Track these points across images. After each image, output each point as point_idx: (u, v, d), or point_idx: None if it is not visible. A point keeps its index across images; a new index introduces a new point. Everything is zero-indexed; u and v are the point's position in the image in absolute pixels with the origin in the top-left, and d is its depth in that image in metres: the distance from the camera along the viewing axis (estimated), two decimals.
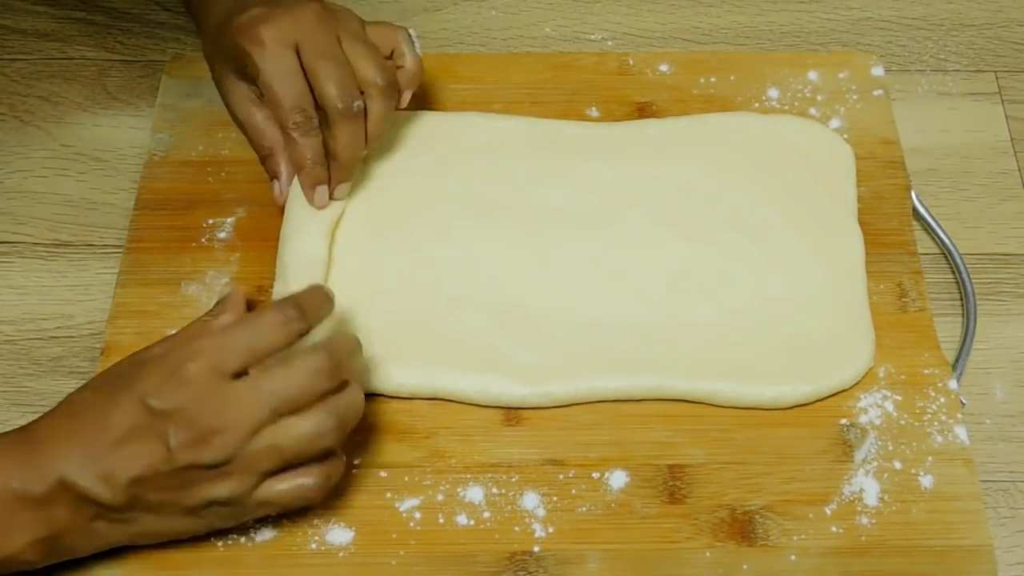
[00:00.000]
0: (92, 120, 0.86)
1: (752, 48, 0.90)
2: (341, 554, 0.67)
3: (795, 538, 0.67)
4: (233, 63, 0.73)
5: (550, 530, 0.68)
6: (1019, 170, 0.83)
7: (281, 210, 0.76)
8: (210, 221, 0.79)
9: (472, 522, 0.68)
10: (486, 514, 0.68)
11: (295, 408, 0.62)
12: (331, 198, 0.75)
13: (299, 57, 0.71)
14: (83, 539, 0.62)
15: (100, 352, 0.73)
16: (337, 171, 0.74)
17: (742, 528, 0.68)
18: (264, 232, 0.78)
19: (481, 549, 0.67)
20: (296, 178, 0.75)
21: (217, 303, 0.68)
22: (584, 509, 0.68)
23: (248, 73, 0.72)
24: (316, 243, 0.74)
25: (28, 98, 0.86)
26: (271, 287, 0.75)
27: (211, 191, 0.80)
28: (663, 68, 0.86)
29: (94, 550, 0.64)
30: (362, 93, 0.72)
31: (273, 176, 0.76)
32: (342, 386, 0.64)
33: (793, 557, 0.67)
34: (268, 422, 0.61)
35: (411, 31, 0.77)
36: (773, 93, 0.85)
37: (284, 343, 0.63)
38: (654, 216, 0.78)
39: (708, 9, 0.92)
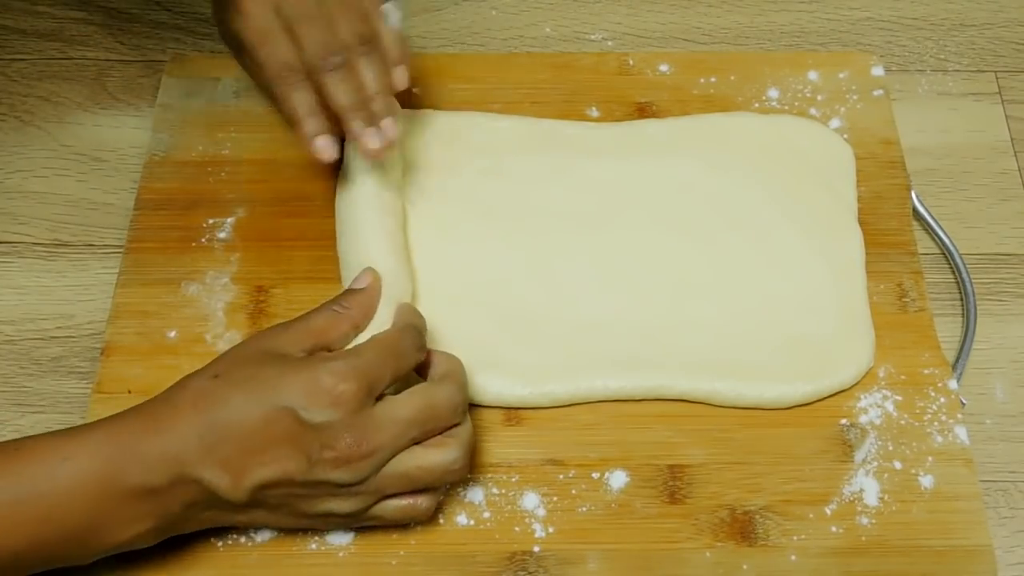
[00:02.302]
0: (92, 120, 0.86)
1: (752, 48, 0.90)
2: (341, 554, 0.67)
3: (795, 538, 0.67)
4: (228, 37, 0.73)
5: (550, 530, 0.68)
6: (1019, 170, 0.83)
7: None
8: (210, 221, 0.79)
9: (472, 522, 0.68)
10: (486, 514, 0.68)
11: (428, 437, 0.63)
12: (367, 147, 0.70)
13: (279, 19, 0.70)
14: (193, 524, 0.63)
15: (100, 352, 0.73)
16: (349, 124, 0.70)
17: (742, 528, 0.68)
18: (264, 232, 0.78)
19: (481, 549, 0.67)
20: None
21: (350, 292, 0.67)
22: (584, 509, 0.68)
23: (228, 35, 0.72)
24: (390, 260, 0.71)
25: (28, 98, 0.86)
26: (271, 287, 0.75)
27: (211, 191, 0.80)
28: (663, 68, 0.86)
29: (198, 528, 0.64)
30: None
31: (310, 138, 0.71)
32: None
33: (793, 557, 0.67)
34: (404, 449, 0.62)
35: (391, 4, 0.74)
36: (773, 93, 0.85)
37: (416, 366, 0.65)
38: (654, 216, 0.78)
39: (708, 9, 0.92)
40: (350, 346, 0.65)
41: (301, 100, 0.70)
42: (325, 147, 0.70)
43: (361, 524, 0.65)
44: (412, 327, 0.66)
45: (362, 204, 0.73)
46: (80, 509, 0.59)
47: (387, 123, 0.70)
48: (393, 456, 0.62)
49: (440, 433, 0.64)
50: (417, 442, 0.63)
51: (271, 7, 0.69)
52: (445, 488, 0.67)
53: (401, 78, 0.72)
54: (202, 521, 0.63)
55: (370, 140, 0.70)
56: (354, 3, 0.71)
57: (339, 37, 0.69)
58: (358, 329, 0.66)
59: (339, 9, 0.70)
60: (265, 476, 0.60)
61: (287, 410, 0.60)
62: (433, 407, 0.63)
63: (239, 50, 0.73)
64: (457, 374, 0.65)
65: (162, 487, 0.60)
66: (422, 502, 0.64)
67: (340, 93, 0.69)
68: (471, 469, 0.67)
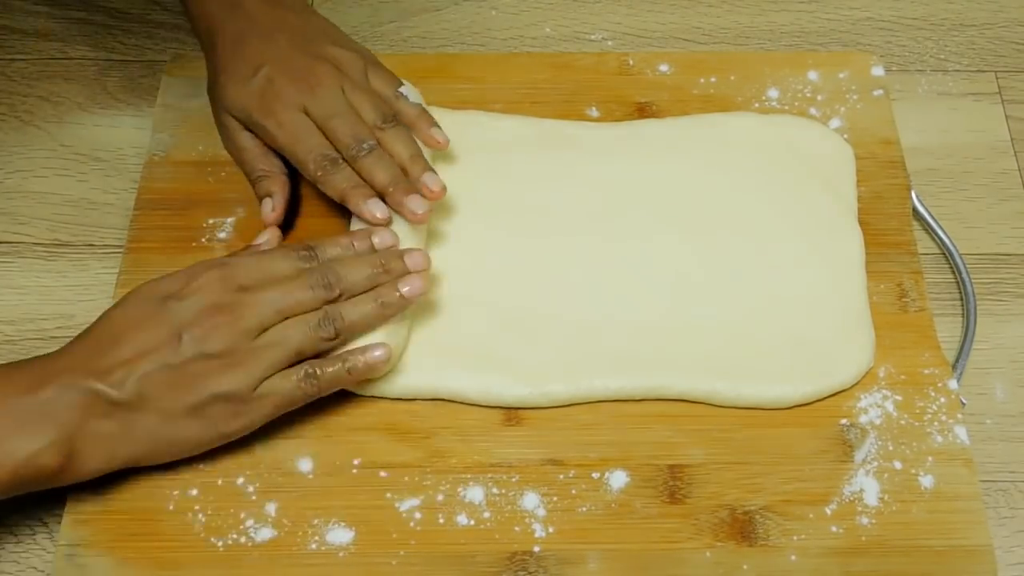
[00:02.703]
0: (92, 120, 0.86)
1: (752, 48, 0.90)
2: (341, 554, 0.67)
3: (795, 538, 0.67)
4: (241, 119, 0.76)
5: (550, 530, 0.68)
6: (1019, 170, 0.83)
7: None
8: (210, 221, 0.79)
9: (472, 522, 0.68)
10: (486, 514, 0.68)
11: (297, 313, 0.68)
12: (412, 214, 0.73)
13: (309, 117, 0.75)
14: (92, 445, 0.65)
15: None
16: (392, 195, 0.73)
17: (742, 528, 0.68)
18: None
19: (481, 549, 0.67)
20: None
21: (242, 250, 0.73)
22: (584, 509, 0.68)
23: (264, 140, 0.76)
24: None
25: (28, 98, 0.86)
26: None
27: (211, 191, 0.80)
28: (663, 68, 0.86)
29: (105, 464, 0.66)
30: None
31: (266, 195, 0.77)
32: (340, 297, 0.69)
33: (793, 557, 0.67)
34: (273, 322, 0.67)
35: (407, 86, 0.79)
36: (773, 93, 0.85)
37: (291, 272, 0.69)
38: (654, 216, 0.78)
39: (708, 9, 0.92)
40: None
41: (344, 178, 0.74)
42: (377, 207, 0.73)
43: (255, 413, 0.67)
44: (302, 244, 0.71)
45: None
46: None
47: (428, 179, 0.74)
48: (261, 327, 0.67)
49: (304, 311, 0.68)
50: (288, 317, 0.68)
51: (299, 109, 0.75)
52: (329, 362, 0.68)
53: (439, 135, 0.77)
54: (103, 439, 0.65)
55: (415, 207, 0.73)
56: (371, 91, 0.77)
57: (366, 123, 0.75)
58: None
59: (360, 98, 0.76)
60: (140, 365, 0.65)
61: (152, 299, 0.67)
62: (296, 287, 0.68)
63: (249, 129, 0.77)
64: (334, 259, 0.71)
65: (51, 395, 0.64)
66: (300, 374, 0.67)
67: (377, 173, 0.74)
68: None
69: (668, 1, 0.93)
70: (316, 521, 0.68)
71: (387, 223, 0.73)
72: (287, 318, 0.68)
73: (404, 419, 0.71)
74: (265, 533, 0.67)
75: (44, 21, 0.91)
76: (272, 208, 0.76)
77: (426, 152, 0.76)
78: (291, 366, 0.68)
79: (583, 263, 0.76)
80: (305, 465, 0.70)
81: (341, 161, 0.74)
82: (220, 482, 0.69)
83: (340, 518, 0.68)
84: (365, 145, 0.74)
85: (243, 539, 0.67)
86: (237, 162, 0.78)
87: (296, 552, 0.67)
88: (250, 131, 0.77)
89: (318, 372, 0.68)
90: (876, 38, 0.91)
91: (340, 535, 0.67)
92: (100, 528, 0.67)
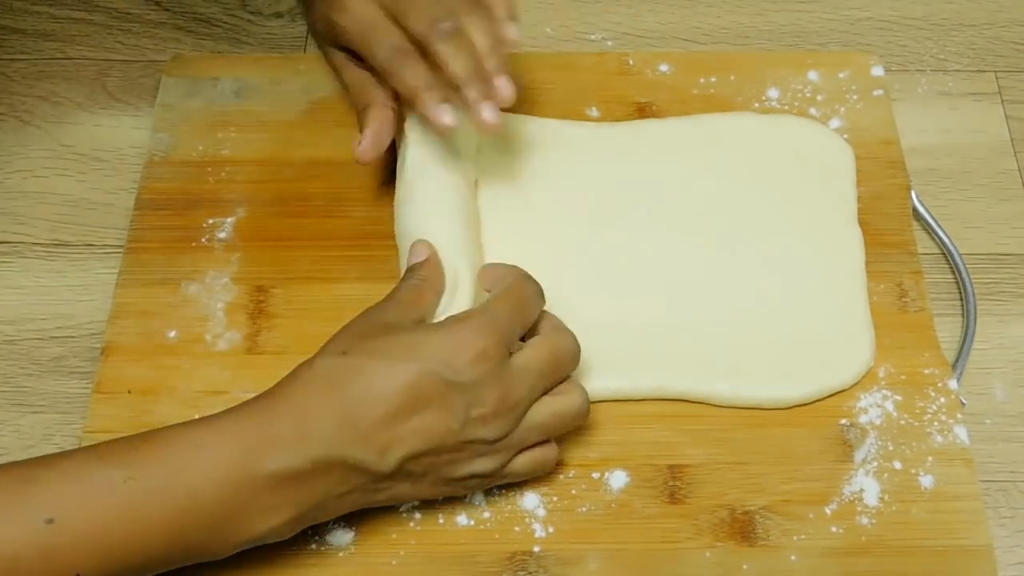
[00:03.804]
0: (92, 120, 0.85)
1: (752, 48, 0.90)
2: (341, 554, 0.67)
3: (795, 538, 0.67)
4: (325, 33, 0.74)
5: (550, 530, 0.68)
6: (1019, 170, 0.83)
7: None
8: (210, 221, 0.79)
9: (472, 522, 0.68)
10: (486, 514, 0.68)
11: (554, 386, 0.65)
12: (485, 121, 0.69)
13: (382, 7, 0.71)
14: (331, 511, 0.62)
15: (100, 352, 0.73)
16: (467, 94, 0.69)
17: (742, 528, 0.68)
18: (264, 232, 0.78)
19: (481, 549, 0.67)
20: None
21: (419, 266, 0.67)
22: (584, 509, 0.68)
23: (340, 40, 0.73)
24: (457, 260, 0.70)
25: (28, 98, 0.86)
26: (271, 287, 0.75)
27: (211, 191, 0.80)
28: (663, 68, 0.86)
29: (334, 516, 0.64)
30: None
31: (362, 126, 0.74)
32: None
33: (793, 557, 0.67)
34: (537, 400, 0.64)
35: None
36: (773, 93, 0.85)
37: (539, 317, 0.66)
38: (654, 216, 0.78)
39: (708, 9, 0.92)
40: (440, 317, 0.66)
41: (416, 75, 0.69)
42: (447, 114, 0.69)
43: (495, 483, 0.66)
44: (528, 277, 0.67)
45: (421, 181, 0.73)
46: (218, 498, 0.58)
47: (502, 83, 0.69)
48: (529, 408, 0.63)
49: (562, 382, 0.66)
50: (545, 393, 0.64)
51: (372, 1, 0.71)
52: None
53: (512, 32, 0.71)
54: (341, 506, 0.62)
55: (487, 115, 0.69)
56: None
57: (443, 4, 0.70)
58: (439, 295, 0.67)
59: None
60: (416, 445, 0.60)
61: (431, 373, 0.60)
62: (557, 353, 0.65)
63: (339, 44, 0.74)
64: (564, 325, 0.67)
65: (303, 471, 0.59)
66: (549, 452, 0.66)
67: (454, 61, 0.68)
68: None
69: (668, 1, 0.93)
70: None
71: (454, 126, 0.69)
72: (544, 390, 0.64)
73: None
74: None
75: (44, 21, 0.91)
76: (359, 141, 0.72)
77: None
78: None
79: (583, 263, 0.76)
80: None
81: (414, 52, 0.70)
82: None
83: (340, 518, 0.68)
84: (443, 26, 0.68)
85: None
86: (345, 90, 0.75)
87: (296, 552, 0.66)
88: (351, 56, 0.73)
89: (557, 453, 0.67)
90: (876, 38, 0.91)
91: (340, 535, 0.67)
92: None
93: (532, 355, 0.64)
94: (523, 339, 0.65)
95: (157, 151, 0.82)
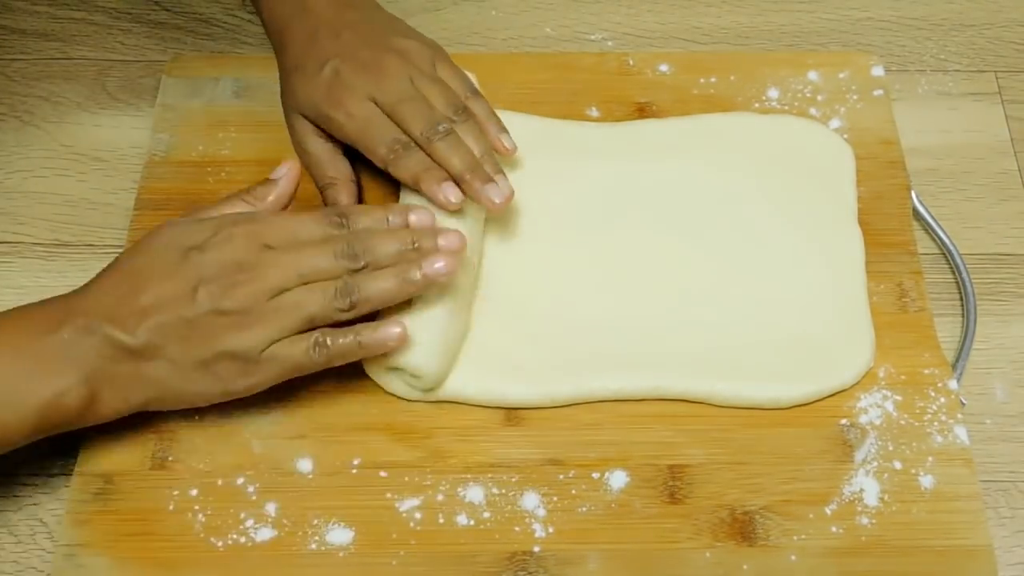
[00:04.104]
0: (92, 120, 0.86)
1: (752, 48, 0.90)
2: (341, 554, 0.67)
3: (795, 538, 0.67)
4: (311, 116, 0.76)
5: (550, 530, 0.68)
6: (1019, 170, 0.83)
7: None
8: None
9: (472, 522, 0.68)
10: (486, 514, 0.68)
11: (318, 279, 0.66)
12: (492, 203, 0.73)
13: (378, 106, 0.74)
14: (109, 387, 0.65)
15: None
16: (470, 184, 0.72)
17: (742, 528, 0.68)
18: None
19: (481, 549, 0.67)
20: None
21: (260, 184, 0.72)
22: (584, 509, 0.68)
23: (334, 133, 0.76)
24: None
25: (28, 98, 0.86)
26: None
27: (211, 191, 0.80)
28: (663, 68, 0.86)
29: (122, 405, 0.67)
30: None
31: (330, 202, 0.77)
32: (364, 268, 0.67)
33: (793, 557, 0.67)
34: (292, 286, 0.66)
35: (473, 78, 0.79)
36: (773, 93, 0.85)
37: (319, 238, 0.68)
38: (654, 216, 0.78)
39: (708, 9, 0.92)
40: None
41: (416, 161, 0.73)
42: (452, 192, 0.72)
43: (261, 374, 0.67)
44: (335, 210, 0.70)
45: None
46: (11, 365, 0.64)
47: (501, 180, 0.73)
48: (280, 289, 0.66)
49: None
50: (308, 283, 0.66)
51: (367, 98, 0.74)
52: (338, 333, 0.67)
53: (508, 143, 0.76)
54: (120, 382, 0.66)
55: (494, 195, 0.73)
56: (441, 81, 0.76)
57: (437, 111, 0.74)
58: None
59: (430, 88, 0.75)
60: (153, 312, 0.65)
61: (176, 249, 0.67)
62: (320, 253, 0.67)
63: (317, 124, 0.76)
64: (364, 229, 0.69)
65: (70, 339, 0.64)
66: (308, 342, 0.66)
67: (453, 158, 0.73)
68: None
69: (668, 1, 0.93)
70: (316, 521, 0.68)
71: (460, 209, 0.72)
72: (308, 283, 0.67)
73: (404, 419, 0.71)
74: (265, 533, 0.67)
75: (44, 21, 0.91)
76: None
77: None
78: (304, 332, 0.67)
79: (583, 263, 0.76)
80: (305, 465, 0.69)
81: (413, 145, 0.73)
82: (220, 482, 0.69)
83: (340, 518, 0.68)
84: (441, 127, 0.73)
85: (243, 539, 0.67)
86: (305, 167, 0.77)
87: (296, 552, 0.67)
88: (321, 130, 0.76)
89: (328, 342, 0.67)
90: (876, 38, 0.91)
91: (340, 535, 0.67)
92: (100, 528, 0.67)
93: (292, 251, 0.67)
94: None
95: (157, 151, 0.82)
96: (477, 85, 0.79)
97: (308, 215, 0.69)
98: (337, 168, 0.77)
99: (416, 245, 0.68)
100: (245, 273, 0.66)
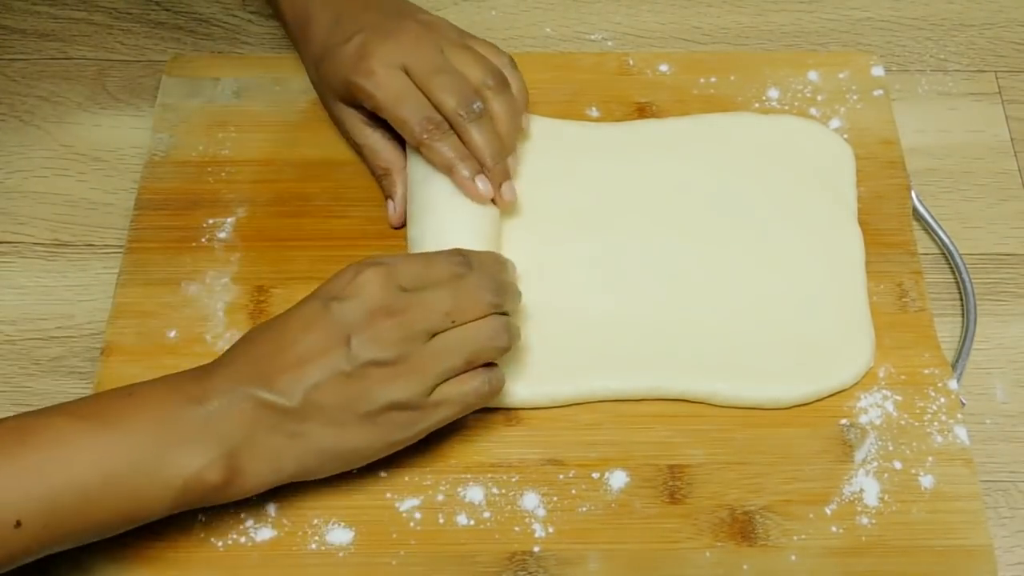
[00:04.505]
0: (92, 120, 0.86)
1: (752, 48, 0.90)
2: (341, 554, 0.67)
3: (795, 538, 0.67)
4: (343, 93, 0.75)
5: (550, 530, 0.68)
6: (1019, 170, 0.83)
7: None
8: (210, 221, 0.79)
9: (472, 522, 0.68)
10: (486, 514, 0.68)
11: (467, 319, 0.65)
12: (503, 199, 0.74)
13: (409, 76, 0.73)
14: (259, 458, 0.63)
15: (100, 352, 0.73)
16: (491, 173, 0.73)
17: (742, 528, 0.68)
18: (264, 232, 0.78)
19: (481, 549, 0.67)
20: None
21: None
22: (584, 509, 0.68)
23: (364, 104, 0.75)
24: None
25: (28, 98, 0.86)
26: (271, 287, 0.76)
27: (211, 191, 0.80)
28: (663, 68, 0.86)
29: (272, 477, 0.64)
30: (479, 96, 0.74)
31: (388, 195, 0.77)
32: (502, 306, 0.67)
33: (793, 557, 0.67)
34: (442, 327, 0.64)
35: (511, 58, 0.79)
36: (773, 93, 0.85)
37: (449, 276, 0.66)
38: (654, 216, 0.78)
39: (708, 9, 0.92)
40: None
41: (451, 148, 0.73)
42: (485, 187, 0.73)
43: (430, 419, 0.65)
44: (456, 252, 0.68)
45: (439, 188, 0.74)
46: (143, 431, 0.61)
47: (507, 189, 0.74)
48: (431, 331, 0.64)
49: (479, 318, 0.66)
50: (457, 323, 0.65)
51: (398, 67, 0.73)
52: (496, 371, 0.67)
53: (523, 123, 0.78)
54: (269, 453, 0.63)
55: (508, 194, 0.74)
56: (472, 49, 0.76)
57: (470, 83, 0.73)
58: None
59: (461, 57, 0.75)
60: (311, 373, 0.62)
61: (312, 301, 0.64)
62: (462, 291, 0.65)
63: (354, 104, 0.76)
64: (489, 266, 0.67)
65: (220, 409, 0.62)
66: (477, 381, 0.65)
67: (483, 144, 0.73)
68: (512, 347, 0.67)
69: (668, 1, 0.93)
70: (316, 521, 0.68)
71: (490, 199, 0.73)
72: (454, 322, 0.65)
73: None
74: (265, 533, 0.67)
75: (44, 21, 0.91)
76: (394, 209, 0.76)
77: None
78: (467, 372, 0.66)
79: (583, 263, 0.76)
80: None
81: (446, 126, 0.73)
82: None
83: (340, 518, 0.68)
84: (475, 107, 0.72)
85: (243, 539, 0.67)
86: (358, 155, 0.77)
87: (296, 552, 0.67)
88: (366, 116, 0.76)
89: (492, 379, 0.66)
90: (876, 38, 0.91)
91: (340, 535, 0.67)
92: None
93: (433, 290, 0.65)
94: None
95: (157, 151, 0.82)
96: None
97: (435, 255, 0.68)
98: (387, 157, 0.76)
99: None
100: (393, 318, 0.63)
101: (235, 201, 0.80)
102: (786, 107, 0.84)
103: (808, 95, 0.85)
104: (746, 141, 0.81)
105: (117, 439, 0.60)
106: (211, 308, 0.75)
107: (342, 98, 0.76)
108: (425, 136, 0.72)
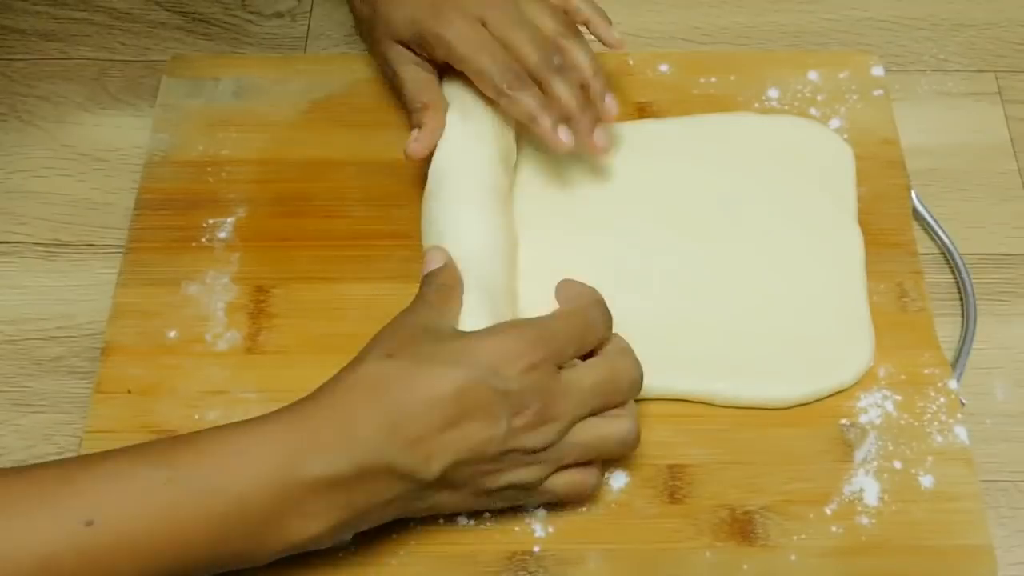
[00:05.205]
0: (92, 120, 0.86)
1: (752, 48, 0.90)
2: (341, 554, 0.67)
3: (795, 538, 0.67)
4: (409, 37, 0.75)
5: (550, 530, 0.67)
6: (1019, 170, 0.83)
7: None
8: (210, 221, 0.79)
9: (472, 522, 0.68)
10: (486, 514, 0.68)
11: (606, 409, 0.64)
12: (596, 145, 0.75)
13: (487, 28, 0.73)
14: (373, 518, 0.61)
15: (100, 352, 0.73)
16: (579, 123, 0.73)
17: (742, 528, 0.68)
18: (264, 232, 0.78)
19: (481, 549, 0.67)
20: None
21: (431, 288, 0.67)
22: (584, 509, 0.68)
23: (437, 52, 0.74)
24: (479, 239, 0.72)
25: (28, 98, 0.86)
26: (271, 287, 0.75)
27: (211, 191, 0.80)
28: (663, 68, 0.86)
29: (376, 524, 0.62)
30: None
31: (416, 125, 0.74)
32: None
33: (793, 557, 0.67)
34: (584, 418, 0.63)
35: None
36: (773, 93, 0.85)
37: (602, 341, 0.65)
38: (654, 216, 0.78)
39: (708, 9, 0.92)
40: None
41: (532, 100, 0.72)
42: (567, 136, 0.73)
43: (532, 500, 0.65)
44: (601, 303, 0.66)
45: (454, 181, 0.73)
46: (260, 502, 0.57)
47: (608, 100, 0.74)
48: (574, 424, 0.62)
49: (616, 407, 0.64)
50: (594, 413, 0.63)
51: (477, 20, 0.73)
52: (598, 468, 0.66)
53: (614, 37, 0.77)
54: (384, 514, 0.61)
55: (601, 140, 0.74)
56: (548, 3, 0.76)
57: (547, 34, 0.73)
58: (460, 302, 0.67)
59: (533, 7, 0.75)
60: (460, 453, 0.59)
61: (479, 380, 0.59)
62: (614, 378, 0.64)
63: (412, 46, 0.75)
64: (631, 351, 0.66)
65: (348, 477, 0.58)
66: (590, 475, 0.65)
67: (568, 96, 0.73)
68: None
69: (668, 1, 0.93)
70: None
71: (572, 147, 0.73)
72: (592, 411, 0.63)
73: None
74: None
75: (44, 21, 0.91)
76: (416, 138, 0.73)
77: None
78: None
79: (582, 263, 0.76)
80: None
81: (526, 77, 0.73)
82: None
83: None
84: (555, 60, 0.73)
85: None
86: (398, 95, 0.76)
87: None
88: (418, 56, 0.75)
89: (599, 479, 0.66)
90: (876, 38, 0.91)
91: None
92: None
93: (586, 372, 0.63)
94: (584, 359, 0.65)
95: (157, 151, 0.82)
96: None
97: (589, 312, 0.66)
98: (430, 94, 0.75)
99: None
100: (550, 407, 0.61)
101: (235, 201, 0.80)
102: (786, 107, 0.84)
103: (808, 95, 0.85)
104: (746, 141, 0.81)
105: (230, 510, 0.57)
106: (211, 308, 0.75)
107: (403, 40, 0.75)
108: (506, 86, 0.72)
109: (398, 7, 0.74)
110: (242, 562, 0.59)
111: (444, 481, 0.60)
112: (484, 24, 0.73)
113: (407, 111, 0.76)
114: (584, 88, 0.74)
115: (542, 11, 0.75)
